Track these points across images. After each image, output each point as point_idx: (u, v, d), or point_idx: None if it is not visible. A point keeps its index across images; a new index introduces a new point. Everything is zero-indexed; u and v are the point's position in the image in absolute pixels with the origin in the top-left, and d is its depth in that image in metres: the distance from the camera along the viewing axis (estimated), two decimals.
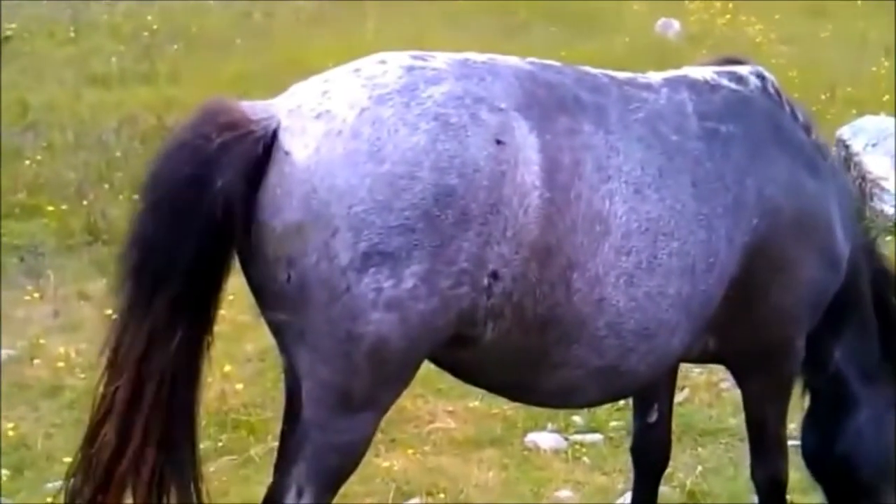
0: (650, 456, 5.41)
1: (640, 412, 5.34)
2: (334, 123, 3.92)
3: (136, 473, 4.08)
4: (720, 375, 7.47)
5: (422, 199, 3.86)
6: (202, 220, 3.91)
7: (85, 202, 10.85)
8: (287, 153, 3.93)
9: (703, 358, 4.96)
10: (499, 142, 3.97)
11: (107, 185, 11.37)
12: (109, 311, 8.27)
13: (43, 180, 11.45)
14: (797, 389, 5.40)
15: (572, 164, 4.12)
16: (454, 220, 3.89)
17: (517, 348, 4.20)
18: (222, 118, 3.96)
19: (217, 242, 3.98)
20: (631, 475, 6.15)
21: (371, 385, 4.03)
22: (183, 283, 3.99)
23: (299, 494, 4.13)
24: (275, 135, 3.96)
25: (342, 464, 4.21)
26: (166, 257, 3.97)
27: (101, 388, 4.14)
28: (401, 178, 3.85)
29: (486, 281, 3.98)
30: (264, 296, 4.10)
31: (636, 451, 5.43)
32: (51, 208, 10.78)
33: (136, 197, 4.18)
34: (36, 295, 9.04)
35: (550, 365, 4.31)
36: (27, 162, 11.95)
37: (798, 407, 5.40)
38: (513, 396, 4.89)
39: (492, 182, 3.94)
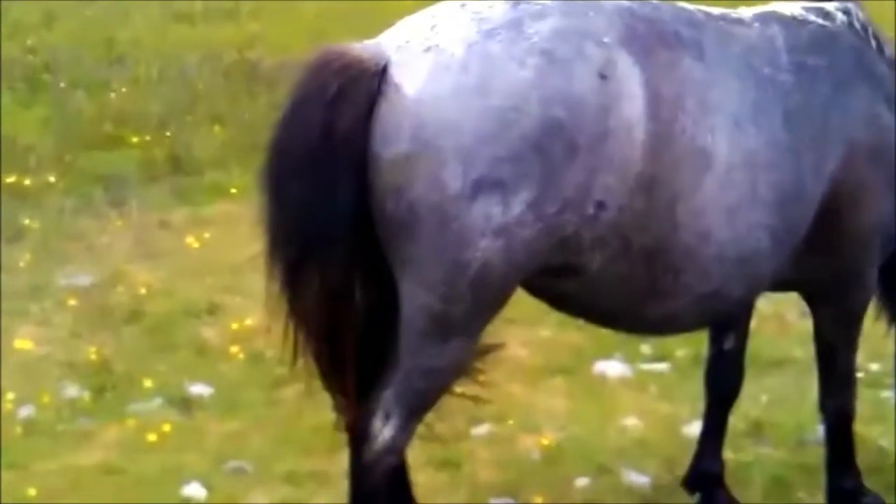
0: (723, 383, 5.31)
1: (717, 339, 5.26)
2: (443, 57, 3.93)
3: None
4: (786, 307, 7.30)
5: (530, 131, 3.87)
6: (338, 166, 3.96)
7: (168, 134, 10.85)
8: (397, 86, 3.94)
9: (778, 286, 4.87)
10: (603, 76, 3.98)
11: (189, 118, 11.35)
12: (190, 239, 8.42)
13: (128, 112, 11.44)
14: (884, 328, 5.43)
15: (675, 98, 4.13)
16: (561, 151, 3.90)
17: (623, 278, 4.22)
18: (337, 63, 3.98)
19: (351, 182, 3.98)
20: (697, 404, 6.04)
21: (470, 311, 4.05)
22: (337, 235, 4.02)
23: (386, 418, 4.18)
24: (385, 69, 3.97)
25: (432, 389, 4.26)
26: (318, 214, 4.00)
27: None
28: (508, 111, 3.87)
29: (591, 210, 4.00)
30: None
31: (710, 378, 5.34)
32: (135, 139, 10.78)
33: (268, 158, 4.16)
34: (119, 223, 9.03)
35: (656, 294, 4.34)
36: (113, 94, 11.97)
37: (865, 339, 5.24)
38: (616, 326, 4.90)
39: (597, 115, 3.94)
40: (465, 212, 3.87)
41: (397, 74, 3.95)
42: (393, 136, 3.92)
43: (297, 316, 4.21)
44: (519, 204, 3.88)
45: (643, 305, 4.40)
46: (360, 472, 4.29)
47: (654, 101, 4.06)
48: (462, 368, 4.31)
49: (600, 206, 4.00)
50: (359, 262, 4.14)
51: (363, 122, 3.94)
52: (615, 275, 4.19)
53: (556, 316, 7.10)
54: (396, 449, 4.26)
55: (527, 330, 7.01)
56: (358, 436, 4.26)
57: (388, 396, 4.18)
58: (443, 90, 3.89)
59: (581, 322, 6.97)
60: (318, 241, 4.03)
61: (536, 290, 4.39)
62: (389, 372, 4.21)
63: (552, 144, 3.88)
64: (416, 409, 4.25)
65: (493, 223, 3.88)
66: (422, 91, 3.90)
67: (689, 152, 4.13)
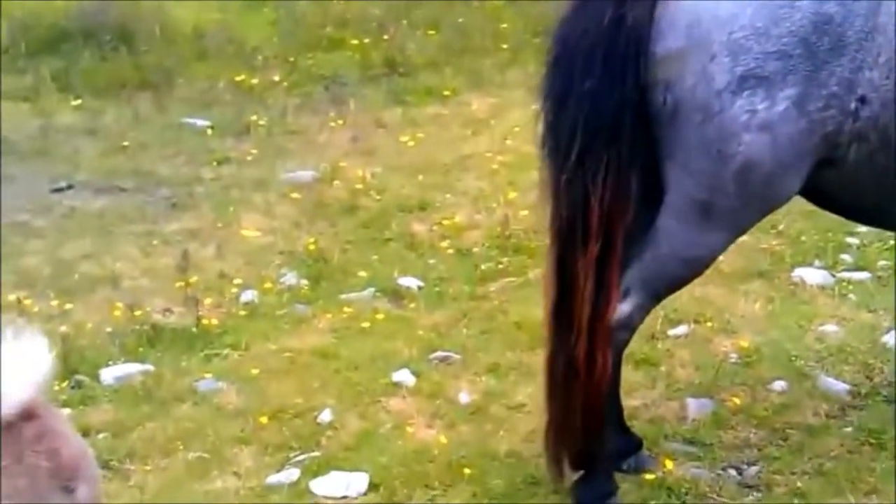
0: None
1: None
2: None
3: None
4: None
5: (800, 27, 3.82)
6: (626, 59, 3.95)
7: (385, 37, 10.82)
8: None
9: None
10: None
11: (405, 22, 11.28)
12: (404, 138, 8.42)
13: (349, 16, 11.44)
14: None
15: None
16: (829, 47, 3.84)
17: (880, 173, 4.05)
18: None
19: (635, 77, 3.97)
20: None
21: (734, 203, 4.00)
22: (617, 128, 3.99)
23: (626, 294, 4.16)
24: None
25: (680, 275, 4.24)
26: (609, 103, 3.97)
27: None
28: (781, 6, 3.83)
29: (853, 105, 3.89)
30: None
31: None
32: (354, 41, 10.79)
33: (551, 49, 4.15)
34: (338, 121, 9.07)
35: None
36: None
37: None
38: (868, 221, 4.74)
39: (869, 10, 3.84)
40: (730, 106, 3.86)
41: None
42: (666, 33, 3.92)
43: (572, 210, 4.12)
44: (784, 100, 3.83)
45: None
46: None
47: None
48: (713, 261, 4.26)
49: (862, 100, 3.89)
50: (637, 155, 4.07)
51: (649, 17, 3.94)
52: (871, 169, 4.04)
53: None
54: (631, 325, 4.24)
55: None
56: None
57: (632, 275, 4.15)
58: None
59: (781, 227, 6.82)
60: (605, 133, 4.00)
61: None
62: (637, 253, 4.17)
63: (820, 40, 3.82)
64: (661, 292, 4.26)
65: (758, 118, 3.84)
66: None
67: None
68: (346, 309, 6.18)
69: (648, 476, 4.61)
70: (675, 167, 4.01)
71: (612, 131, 3.99)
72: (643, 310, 4.21)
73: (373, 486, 4.67)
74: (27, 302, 6.15)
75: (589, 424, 4.32)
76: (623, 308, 4.16)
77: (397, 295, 6.38)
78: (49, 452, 2.37)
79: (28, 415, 2.37)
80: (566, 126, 4.04)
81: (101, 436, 5.03)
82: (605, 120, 3.98)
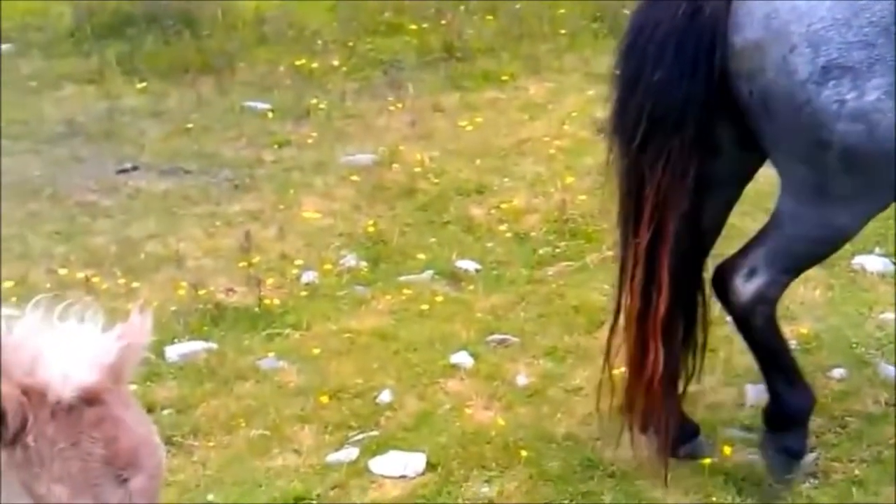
0: None
1: None
2: None
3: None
4: None
5: (882, 17, 3.79)
6: (700, 49, 3.95)
7: (443, 22, 10.75)
8: None
9: None
10: None
11: (463, 7, 11.21)
12: (462, 122, 8.38)
13: (407, 1, 11.38)
14: None
15: None
16: None
17: None
18: None
19: (706, 68, 3.96)
20: None
21: (848, 187, 3.96)
22: (683, 118, 3.99)
23: (751, 274, 4.20)
24: None
25: (809, 252, 4.26)
26: (677, 93, 3.97)
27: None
28: None
29: None
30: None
31: None
32: (412, 27, 10.73)
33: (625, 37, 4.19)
34: (398, 105, 9.04)
35: None
36: None
37: None
38: None
39: None
40: (816, 96, 3.82)
41: None
42: (744, 23, 3.92)
43: (627, 196, 4.17)
44: (874, 90, 3.78)
45: None
46: (739, 327, 4.38)
47: None
48: (847, 240, 4.28)
49: None
50: (699, 147, 4.05)
51: (726, 9, 3.92)
52: None
53: None
54: (767, 299, 4.25)
55: None
56: (721, 297, 4.35)
57: (757, 255, 4.19)
58: None
59: None
60: (670, 122, 4.00)
61: None
62: (760, 235, 4.22)
63: None
64: (790, 268, 4.27)
65: (847, 108, 3.80)
66: None
67: None
68: (404, 291, 6.17)
69: (705, 461, 4.57)
70: (782, 154, 4.01)
71: (678, 121, 3.97)
72: (776, 284, 4.23)
73: (430, 466, 4.68)
74: (95, 280, 6.20)
75: (650, 411, 4.30)
76: (750, 287, 4.18)
77: (455, 278, 6.36)
78: (107, 440, 2.32)
79: (91, 399, 2.33)
80: (633, 113, 4.04)
81: (165, 412, 5.07)
82: (671, 109, 3.96)
